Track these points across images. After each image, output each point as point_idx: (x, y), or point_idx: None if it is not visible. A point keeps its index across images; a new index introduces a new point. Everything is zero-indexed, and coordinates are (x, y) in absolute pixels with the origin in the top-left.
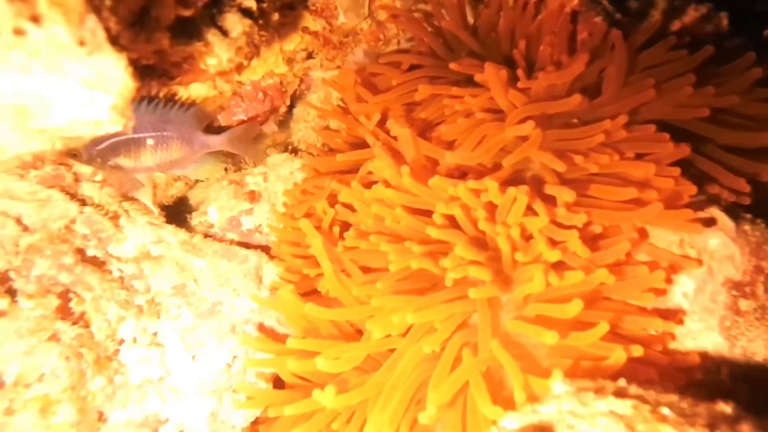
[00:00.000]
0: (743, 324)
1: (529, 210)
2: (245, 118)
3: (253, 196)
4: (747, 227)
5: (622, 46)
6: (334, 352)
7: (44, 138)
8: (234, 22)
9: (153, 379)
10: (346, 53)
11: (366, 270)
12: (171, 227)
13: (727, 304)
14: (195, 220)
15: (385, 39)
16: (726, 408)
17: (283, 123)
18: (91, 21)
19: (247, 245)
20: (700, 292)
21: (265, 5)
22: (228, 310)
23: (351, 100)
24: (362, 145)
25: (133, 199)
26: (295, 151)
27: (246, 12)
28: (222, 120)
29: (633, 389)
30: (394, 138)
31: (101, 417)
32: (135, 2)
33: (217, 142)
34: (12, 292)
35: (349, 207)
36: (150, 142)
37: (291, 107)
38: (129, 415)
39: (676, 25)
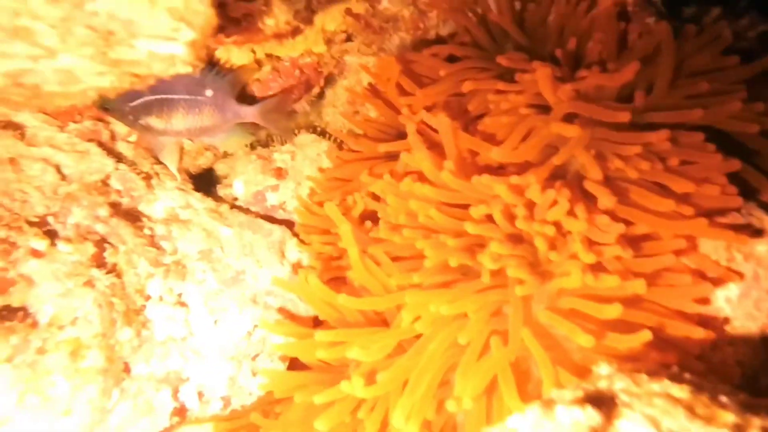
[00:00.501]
0: None
1: (569, 213)
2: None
3: (279, 173)
4: None
5: (671, 47)
6: (366, 341)
7: (116, 73)
8: None
9: (177, 338)
10: (384, 39)
11: (395, 259)
12: (199, 194)
13: None
14: (221, 191)
15: (425, 28)
16: None
17: (315, 104)
18: None
19: (271, 219)
20: (745, 298)
21: None
22: (251, 279)
23: (392, 90)
24: (395, 135)
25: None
26: (323, 134)
27: None
28: (257, 92)
29: (688, 376)
30: (434, 130)
31: (126, 368)
32: None
33: (249, 113)
34: (51, 235)
35: (378, 199)
36: (183, 105)
37: (323, 90)
38: (152, 370)
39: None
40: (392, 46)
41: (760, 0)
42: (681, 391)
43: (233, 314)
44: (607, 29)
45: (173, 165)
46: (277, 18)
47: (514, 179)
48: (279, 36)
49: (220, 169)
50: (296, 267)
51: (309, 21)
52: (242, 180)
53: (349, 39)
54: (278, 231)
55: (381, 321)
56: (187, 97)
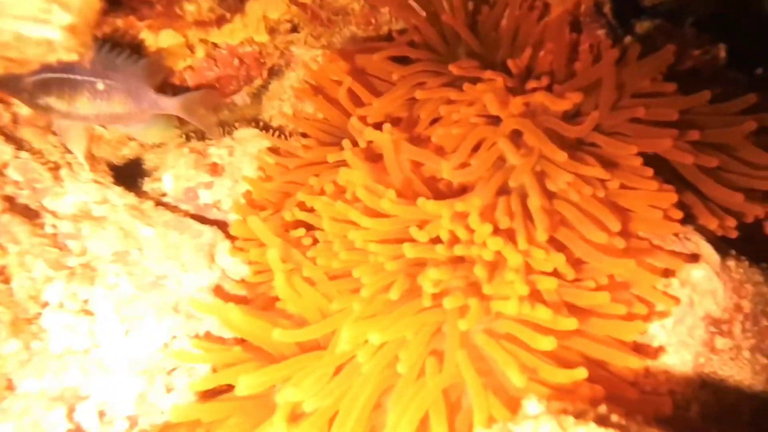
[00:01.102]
0: (717, 362)
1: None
2: (217, 86)
3: (215, 169)
4: (732, 263)
5: (612, 76)
6: (299, 377)
7: None
8: None
9: (77, 351)
10: (333, 33)
11: (332, 278)
12: (119, 189)
13: (704, 339)
14: (147, 186)
15: (377, 24)
16: None
17: (256, 96)
18: None
19: (202, 219)
20: (679, 324)
21: None
22: (173, 285)
23: (341, 92)
24: (341, 137)
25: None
26: (266, 128)
27: None
28: (190, 81)
29: (615, 418)
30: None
31: (10, 384)
32: None
33: (169, 104)
34: None
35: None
36: (88, 87)
37: (267, 82)
38: (43, 386)
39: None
40: (342, 40)
41: (705, 19)
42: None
43: (149, 323)
44: (558, 40)
45: (80, 152)
46: (199, 4)
47: (459, 206)
48: (202, 24)
49: (149, 160)
50: (226, 273)
51: (238, 9)
52: (172, 174)
53: (294, 30)
54: (209, 232)
55: (315, 345)
56: (92, 79)
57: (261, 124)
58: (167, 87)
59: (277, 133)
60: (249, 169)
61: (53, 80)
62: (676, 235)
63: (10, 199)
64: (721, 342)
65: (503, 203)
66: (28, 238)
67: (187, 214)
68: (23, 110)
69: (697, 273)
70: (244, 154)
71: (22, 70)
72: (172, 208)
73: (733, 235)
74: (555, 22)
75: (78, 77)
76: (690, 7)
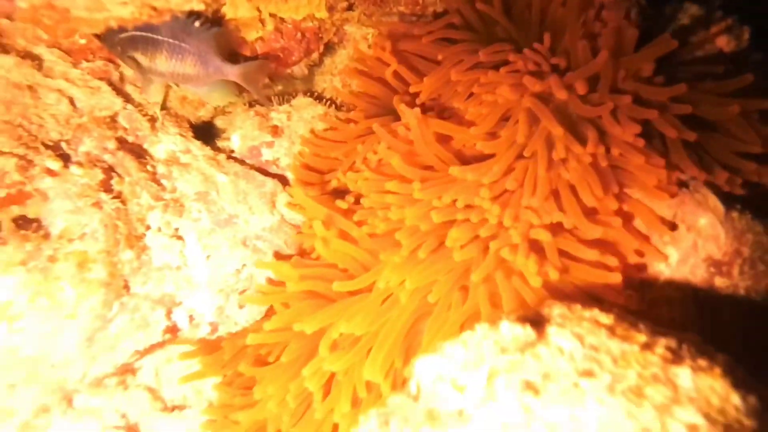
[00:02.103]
0: (715, 298)
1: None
2: (281, 56)
3: (275, 131)
4: (735, 215)
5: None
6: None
7: (137, 4)
8: None
9: (172, 266)
10: (384, 12)
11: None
12: (198, 142)
13: (704, 278)
14: (219, 144)
15: (423, 5)
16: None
17: (312, 69)
18: None
19: (264, 173)
20: (682, 264)
21: None
22: (242, 223)
23: (389, 75)
24: (388, 109)
25: (168, 108)
26: (319, 99)
27: None
28: (260, 50)
29: (616, 310)
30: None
31: (126, 285)
32: None
33: (230, 71)
34: (64, 158)
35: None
36: (167, 47)
37: (322, 56)
38: (148, 290)
39: (700, 36)
40: (391, 19)
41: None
42: (607, 318)
43: (224, 252)
44: (575, 23)
45: (157, 102)
46: None
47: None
48: None
49: (219, 123)
50: (284, 218)
51: None
52: (239, 134)
53: (350, 8)
54: (270, 183)
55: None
56: (170, 40)
57: (315, 95)
58: (239, 55)
59: (328, 103)
60: (304, 132)
61: (139, 38)
62: (686, 186)
63: (121, 140)
64: (719, 281)
65: (517, 170)
66: (136, 173)
67: (252, 167)
68: (127, 71)
69: (703, 220)
70: (300, 119)
71: (160, 19)
72: (240, 162)
73: (739, 191)
74: (575, 6)
75: (159, 38)
76: None
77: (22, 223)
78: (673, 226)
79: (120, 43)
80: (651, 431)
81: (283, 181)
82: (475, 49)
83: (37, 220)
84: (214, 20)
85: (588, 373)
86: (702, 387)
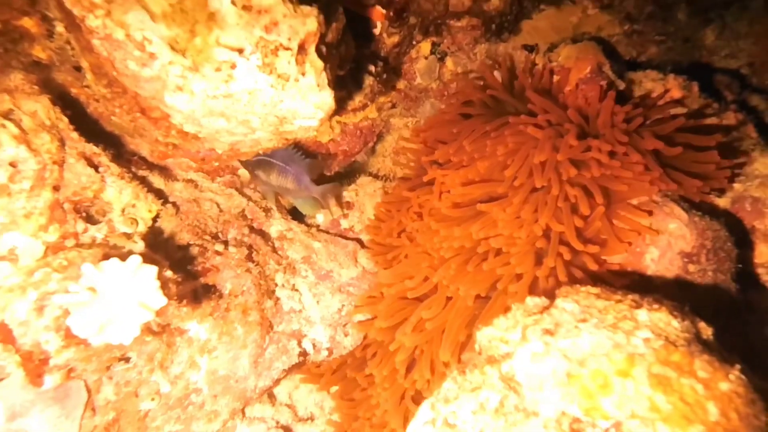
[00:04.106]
0: (689, 278)
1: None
2: (347, 149)
3: (348, 206)
4: (696, 219)
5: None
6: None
7: (277, 137)
8: (366, 79)
9: (295, 310)
10: (419, 105)
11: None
12: (295, 222)
13: (680, 266)
14: (308, 221)
15: (449, 95)
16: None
17: (370, 154)
18: (324, 73)
19: (345, 237)
20: (662, 258)
21: (380, 69)
22: (336, 276)
23: (425, 159)
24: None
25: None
26: (376, 176)
27: (370, 72)
28: (332, 149)
29: (602, 285)
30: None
31: (270, 324)
32: (335, 61)
33: (314, 190)
34: (224, 243)
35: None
36: (278, 168)
37: (375, 145)
38: (283, 328)
39: (658, 90)
40: (425, 109)
41: (682, 68)
42: (595, 289)
43: (328, 298)
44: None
45: (272, 203)
46: (354, 100)
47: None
48: (354, 110)
49: None
50: (365, 269)
51: (373, 100)
52: (323, 212)
53: (393, 106)
54: (351, 245)
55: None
56: (280, 164)
57: (373, 173)
58: (323, 177)
59: (384, 179)
60: (369, 204)
61: (262, 161)
62: (656, 203)
63: (250, 227)
64: (692, 267)
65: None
66: (264, 247)
67: (335, 234)
68: (243, 179)
69: (672, 225)
70: (365, 194)
71: (287, 145)
72: (326, 232)
73: (696, 199)
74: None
75: (273, 161)
76: (669, 60)
77: (204, 290)
78: (652, 232)
79: (250, 164)
80: (621, 344)
81: (359, 242)
82: (486, 119)
83: (213, 286)
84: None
85: (582, 320)
86: (653, 318)
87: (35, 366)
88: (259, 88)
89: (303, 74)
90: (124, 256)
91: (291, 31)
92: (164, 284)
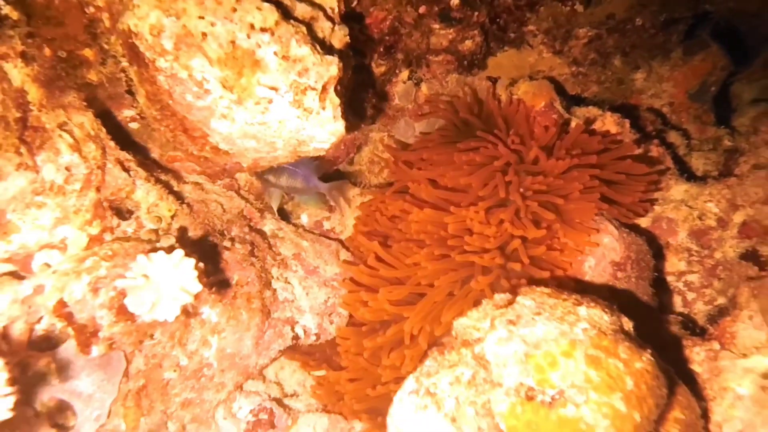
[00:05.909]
0: (617, 283)
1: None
2: (331, 159)
3: (330, 209)
4: (625, 234)
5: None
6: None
7: (293, 155)
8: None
9: (288, 300)
10: (395, 121)
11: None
12: (284, 222)
13: (611, 273)
14: (293, 221)
15: (423, 114)
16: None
17: (350, 163)
18: (339, 108)
19: (328, 237)
20: (597, 266)
21: (370, 95)
22: (322, 271)
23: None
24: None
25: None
26: (355, 183)
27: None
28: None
29: (552, 287)
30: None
31: (269, 312)
32: (346, 96)
33: (322, 187)
34: (230, 240)
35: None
36: (288, 171)
37: (354, 155)
38: (279, 315)
39: (598, 125)
40: (399, 125)
41: (618, 107)
42: (547, 290)
43: (315, 290)
44: (525, 124)
45: (275, 205)
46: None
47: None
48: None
49: (288, 208)
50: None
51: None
52: (306, 213)
53: (373, 122)
54: (334, 244)
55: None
56: (290, 167)
57: (351, 180)
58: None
59: (362, 184)
60: (348, 207)
61: (273, 167)
62: (594, 221)
63: (249, 226)
64: (620, 274)
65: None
66: (262, 244)
67: (320, 234)
68: (242, 182)
69: (606, 239)
70: (345, 198)
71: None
72: (311, 232)
73: (626, 220)
74: (522, 114)
75: (284, 166)
76: (607, 99)
77: (218, 282)
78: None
79: (264, 172)
80: (567, 333)
81: (340, 242)
82: (455, 140)
83: (226, 279)
84: None
85: (537, 314)
86: (590, 313)
87: (86, 337)
88: (288, 118)
89: (323, 108)
90: (168, 250)
91: (318, 75)
92: (200, 274)
